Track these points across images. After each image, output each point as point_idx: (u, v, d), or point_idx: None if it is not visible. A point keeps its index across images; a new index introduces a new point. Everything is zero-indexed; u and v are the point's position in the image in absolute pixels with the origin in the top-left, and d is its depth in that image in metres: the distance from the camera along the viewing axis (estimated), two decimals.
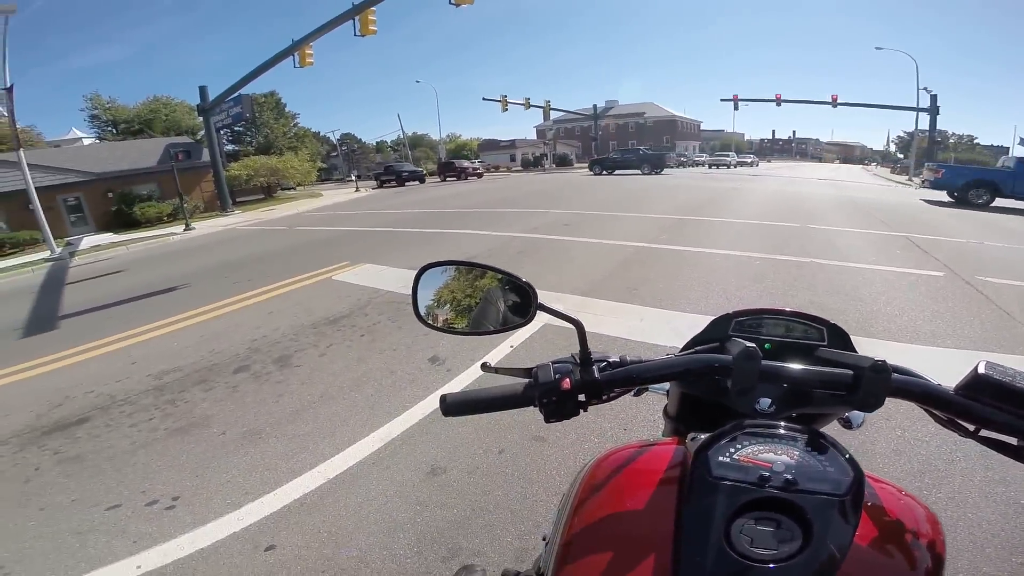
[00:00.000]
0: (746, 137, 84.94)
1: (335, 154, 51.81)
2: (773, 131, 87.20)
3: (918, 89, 29.51)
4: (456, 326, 0.75)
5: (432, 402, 2.89)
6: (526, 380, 0.62)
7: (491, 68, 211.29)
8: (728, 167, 38.84)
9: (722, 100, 35.37)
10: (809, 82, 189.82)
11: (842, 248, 6.51)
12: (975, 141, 55.35)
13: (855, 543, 0.43)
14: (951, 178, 13.79)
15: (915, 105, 29.70)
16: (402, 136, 51.82)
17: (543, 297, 0.67)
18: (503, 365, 0.68)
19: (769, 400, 0.56)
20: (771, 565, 0.40)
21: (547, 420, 0.60)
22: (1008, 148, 40.83)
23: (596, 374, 0.60)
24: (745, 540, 0.41)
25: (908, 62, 37.55)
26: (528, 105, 36.58)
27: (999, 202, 12.91)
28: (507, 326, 0.72)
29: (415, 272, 0.75)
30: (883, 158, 61.17)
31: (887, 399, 0.51)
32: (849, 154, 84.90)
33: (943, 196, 14.18)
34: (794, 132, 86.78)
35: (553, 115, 40.99)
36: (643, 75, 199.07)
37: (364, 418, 2.85)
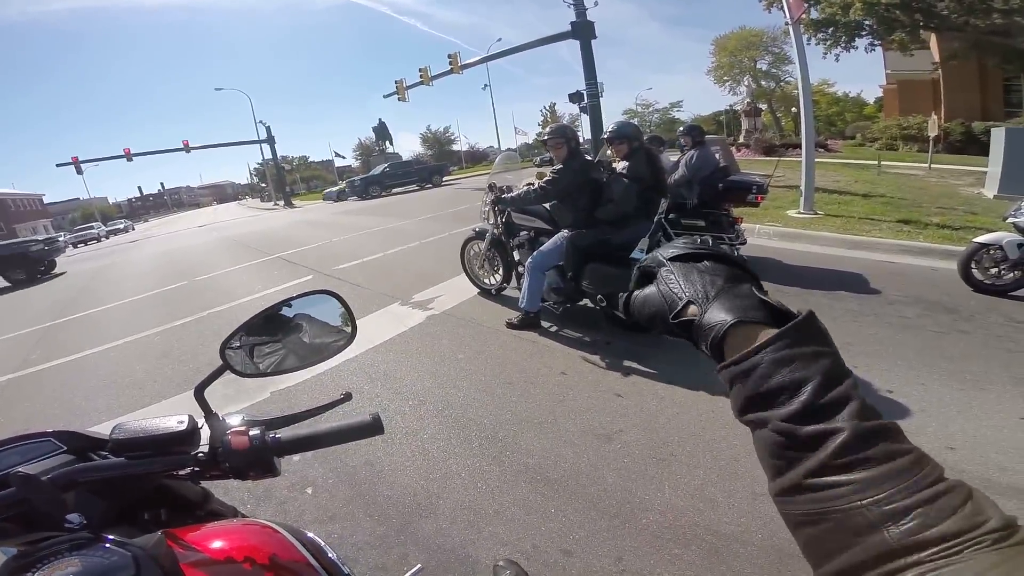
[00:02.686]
0: (111, 200, 74.17)
1: None
2: (140, 188, 79.52)
3: (255, 123, 33.46)
4: None
5: None
6: None
7: None
8: (98, 239, 32.70)
9: (58, 165, 28.49)
10: (160, 131, 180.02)
11: (232, 288, 6.79)
12: (309, 160, 68.49)
13: None
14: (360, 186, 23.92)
15: (256, 137, 33.45)
16: None
17: None
18: None
19: (77, 514, 0.55)
20: None
21: None
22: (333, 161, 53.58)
23: None
24: None
25: (245, 99, 41.54)
26: None
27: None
28: None
29: None
30: (252, 190, 66.81)
31: None
32: (222, 194, 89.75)
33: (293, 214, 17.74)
34: (163, 184, 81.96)
35: None
36: None
37: None
